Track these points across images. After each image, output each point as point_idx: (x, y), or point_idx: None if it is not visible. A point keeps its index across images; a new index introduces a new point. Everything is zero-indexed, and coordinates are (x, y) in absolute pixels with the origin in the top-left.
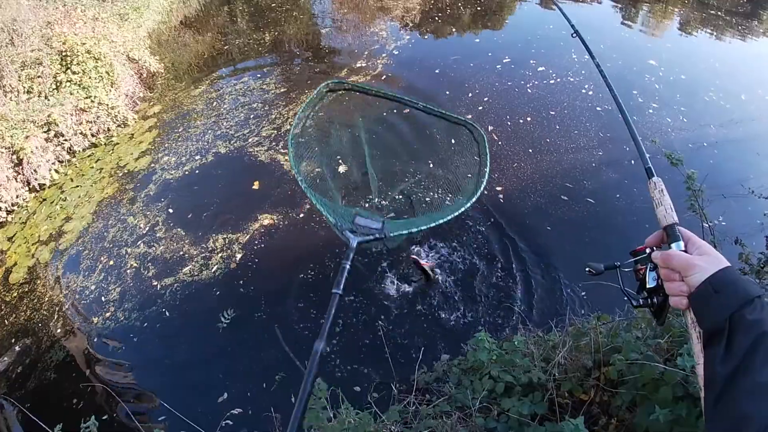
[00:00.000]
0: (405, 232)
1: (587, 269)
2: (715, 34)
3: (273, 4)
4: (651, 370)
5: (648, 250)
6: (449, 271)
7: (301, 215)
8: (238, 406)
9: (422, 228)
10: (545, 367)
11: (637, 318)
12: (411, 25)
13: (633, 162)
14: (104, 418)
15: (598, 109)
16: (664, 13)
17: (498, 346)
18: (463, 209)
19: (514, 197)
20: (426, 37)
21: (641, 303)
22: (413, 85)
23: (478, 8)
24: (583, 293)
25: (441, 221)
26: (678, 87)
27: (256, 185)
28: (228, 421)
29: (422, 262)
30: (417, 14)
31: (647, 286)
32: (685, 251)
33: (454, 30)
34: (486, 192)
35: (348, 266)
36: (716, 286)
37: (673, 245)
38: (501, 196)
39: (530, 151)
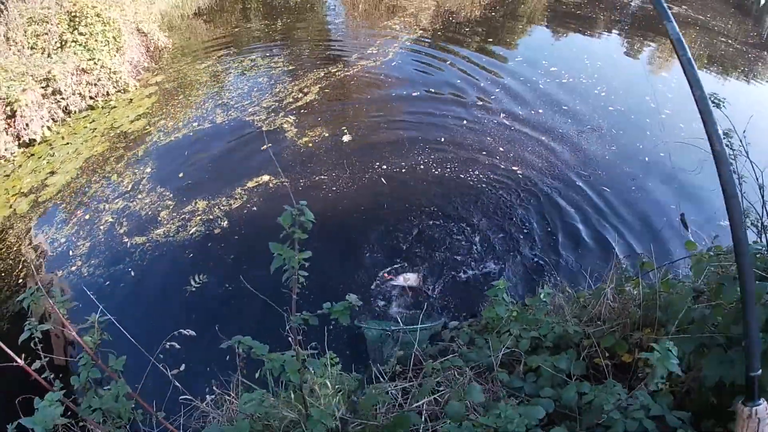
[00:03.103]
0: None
1: None
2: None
3: (288, 4)
4: (731, 291)
5: None
6: (475, 238)
7: (300, 185)
8: (194, 382)
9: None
10: (578, 324)
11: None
12: (424, 22)
13: (647, 159)
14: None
15: (611, 108)
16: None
17: (518, 305)
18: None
19: (532, 176)
20: (438, 34)
21: None
22: (423, 79)
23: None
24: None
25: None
26: (689, 98)
27: (263, 148)
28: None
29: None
30: (430, 15)
31: None
32: None
33: (466, 29)
34: (502, 166)
35: None
36: None
37: None
38: (520, 173)
39: (543, 139)
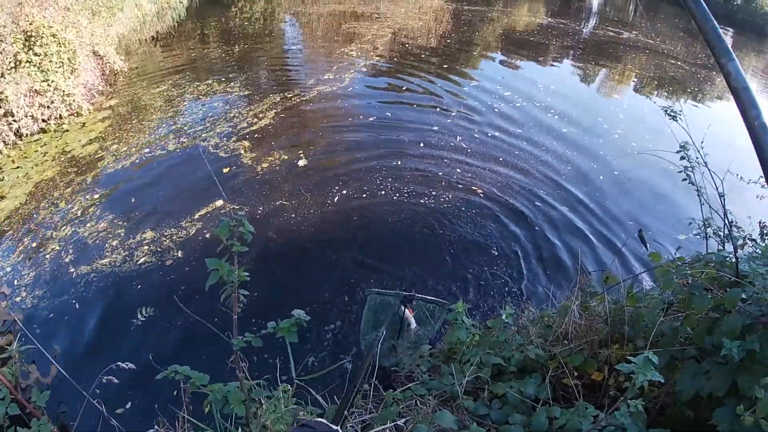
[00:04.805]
0: None
1: None
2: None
3: (246, 31)
4: (702, 300)
5: None
6: (435, 259)
7: (259, 212)
8: (142, 419)
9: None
10: (544, 344)
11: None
12: (381, 50)
13: (601, 177)
14: None
15: (564, 131)
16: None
17: (481, 327)
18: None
19: (490, 197)
20: (395, 60)
21: None
22: (379, 105)
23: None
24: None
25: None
26: (641, 119)
27: (226, 170)
28: None
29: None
30: (387, 42)
31: None
32: None
33: (422, 57)
34: (460, 186)
35: None
36: None
37: None
38: (480, 192)
39: (501, 159)
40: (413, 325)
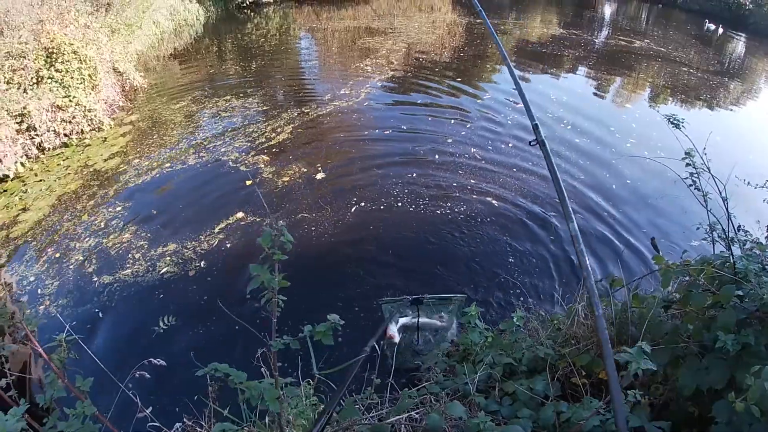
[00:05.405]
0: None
1: None
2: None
3: (263, 47)
4: (700, 297)
5: None
6: (451, 267)
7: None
8: (163, 420)
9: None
10: (554, 345)
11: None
12: (395, 64)
13: (614, 186)
14: None
15: (577, 141)
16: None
17: (493, 331)
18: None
19: (504, 207)
20: (409, 74)
21: None
22: (395, 118)
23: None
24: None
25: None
26: (653, 127)
27: (248, 182)
28: None
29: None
30: (401, 56)
31: None
32: None
33: (436, 70)
34: (475, 197)
35: None
36: None
37: None
38: (496, 201)
39: (513, 171)
40: (430, 323)
